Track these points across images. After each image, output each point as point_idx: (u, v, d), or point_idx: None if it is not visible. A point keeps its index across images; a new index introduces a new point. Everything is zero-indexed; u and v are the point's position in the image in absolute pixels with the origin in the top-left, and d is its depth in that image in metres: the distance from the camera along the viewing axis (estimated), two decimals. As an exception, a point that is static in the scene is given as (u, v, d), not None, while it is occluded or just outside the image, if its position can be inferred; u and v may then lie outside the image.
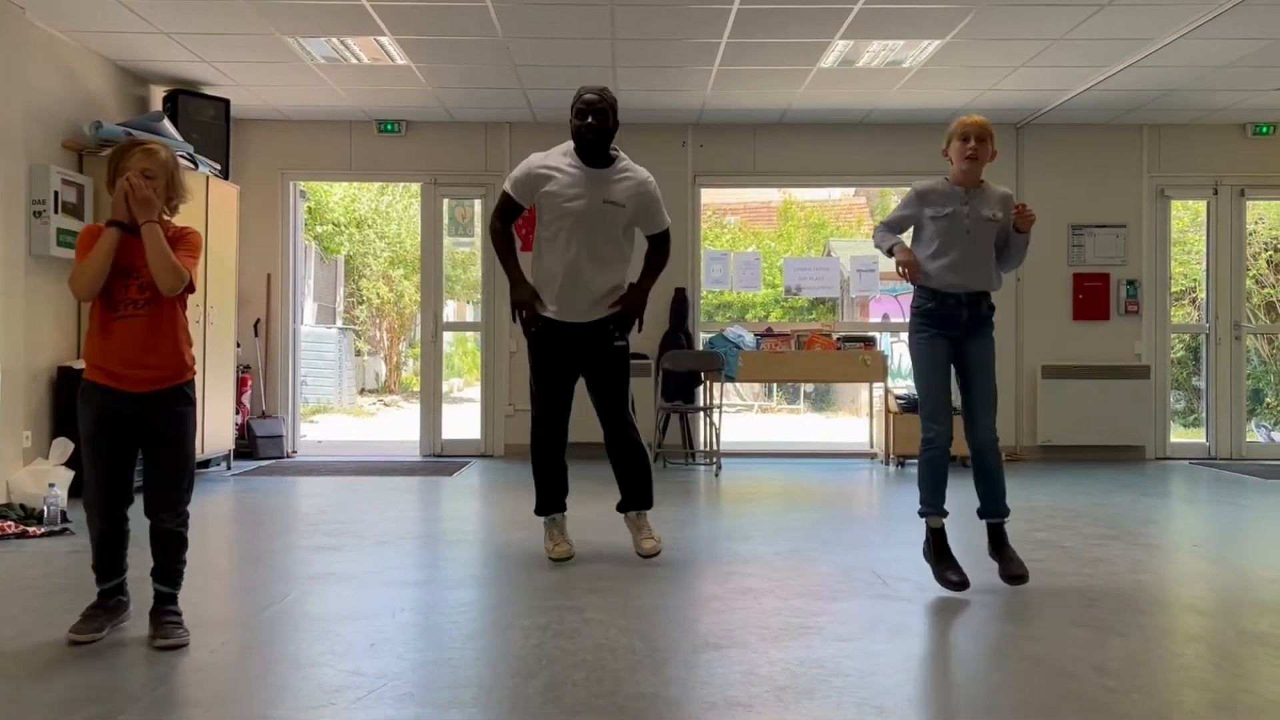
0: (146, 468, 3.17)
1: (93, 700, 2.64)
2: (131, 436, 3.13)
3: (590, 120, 4.23)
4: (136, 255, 3.07)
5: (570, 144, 4.34)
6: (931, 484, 3.84)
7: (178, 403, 3.17)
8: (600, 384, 4.40)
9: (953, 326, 3.84)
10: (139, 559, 3.25)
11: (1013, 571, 3.78)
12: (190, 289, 3.15)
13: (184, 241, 3.16)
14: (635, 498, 4.46)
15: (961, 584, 3.72)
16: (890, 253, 3.88)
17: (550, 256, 4.31)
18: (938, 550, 3.83)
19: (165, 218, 3.15)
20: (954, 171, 3.91)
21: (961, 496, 4.03)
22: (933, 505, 3.85)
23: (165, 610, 3.14)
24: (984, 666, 2.99)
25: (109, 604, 3.18)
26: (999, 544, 3.87)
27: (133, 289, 3.09)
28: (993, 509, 3.86)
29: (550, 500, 4.46)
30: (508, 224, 4.41)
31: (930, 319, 3.85)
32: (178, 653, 3.02)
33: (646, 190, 4.36)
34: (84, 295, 3.11)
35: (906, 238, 3.95)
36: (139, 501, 3.20)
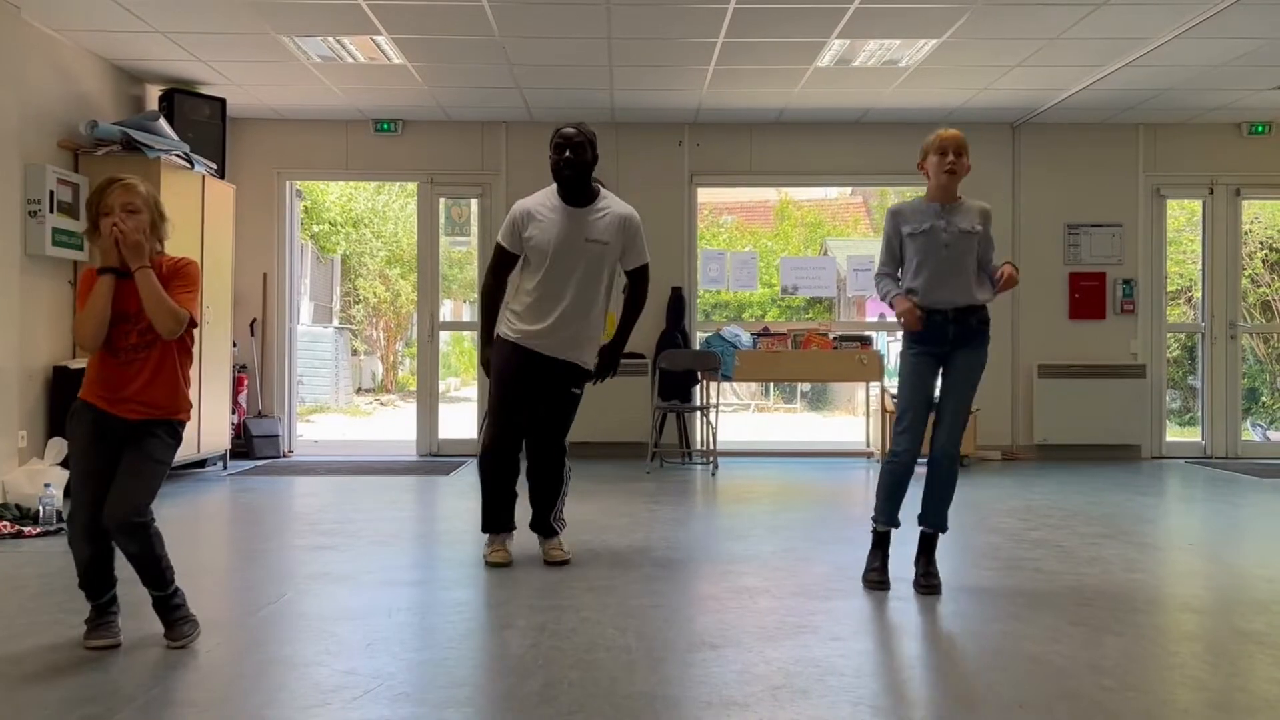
0: (118, 474, 3.03)
1: (88, 700, 2.64)
2: (118, 456, 3.06)
3: (568, 154, 4.20)
4: (132, 300, 3.03)
5: (552, 187, 4.33)
6: (887, 494, 3.91)
7: (167, 433, 3.14)
8: (549, 416, 4.38)
9: (939, 342, 3.83)
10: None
11: (929, 583, 3.83)
12: (192, 325, 3.11)
13: (180, 276, 3.11)
14: (543, 523, 4.45)
15: (881, 584, 3.86)
16: (891, 302, 3.90)
17: (536, 297, 4.27)
18: (874, 547, 3.96)
19: (158, 253, 3.12)
20: (931, 187, 3.89)
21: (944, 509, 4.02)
22: (885, 516, 3.92)
23: (167, 607, 3.13)
24: (979, 665, 2.99)
25: (111, 609, 3.15)
26: (927, 554, 3.92)
27: (132, 335, 3.06)
28: (933, 521, 3.91)
29: (497, 519, 4.40)
30: (501, 279, 4.39)
31: (916, 335, 3.83)
32: (173, 653, 3.03)
33: (630, 224, 4.33)
34: (89, 345, 3.06)
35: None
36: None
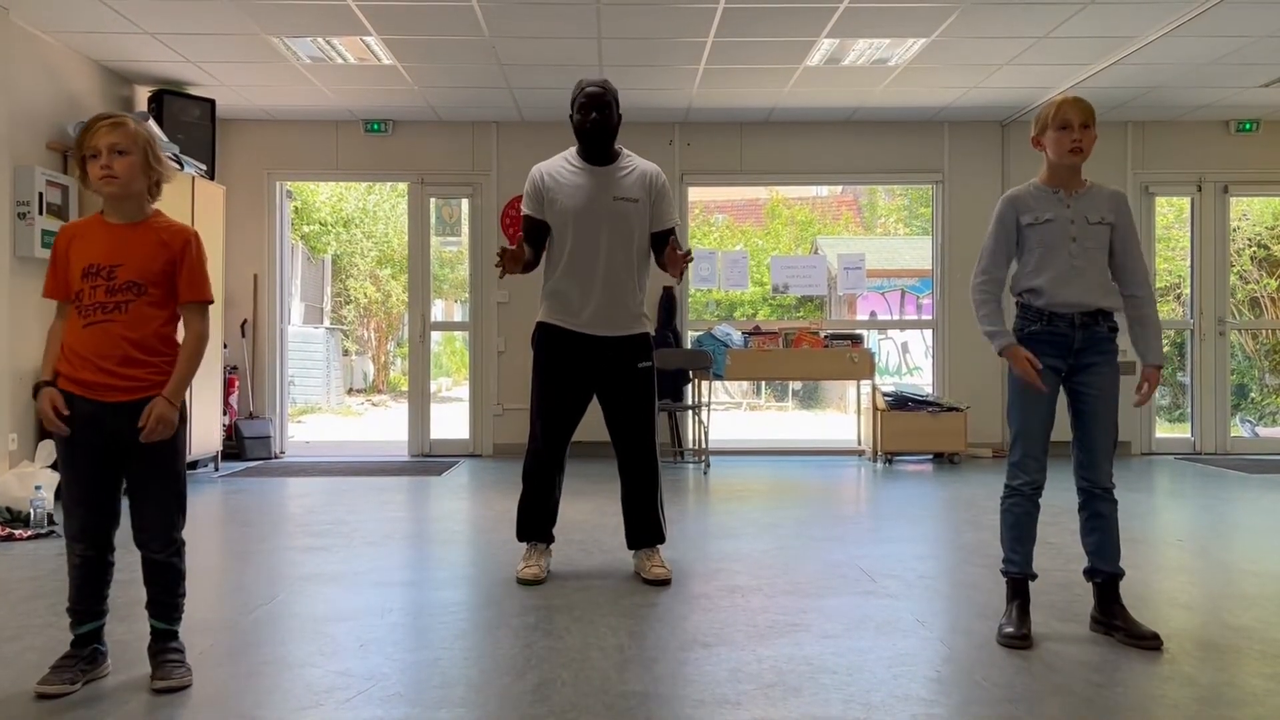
0: (131, 492, 2.79)
1: (79, 704, 2.63)
2: (113, 453, 2.74)
3: (594, 115, 3.95)
4: (105, 251, 2.73)
5: (572, 149, 4.09)
6: (1016, 538, 3.29)
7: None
8: (624, 410, 4.04)
9: (1063, 353, 3.21)
10: (131, 597, 3.05)
11: (1142, 632, 3.17)
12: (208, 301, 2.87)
13: (188, 264, 2.81)
14: (649, 532, 4.12)
15: (1025, 643, 3.15)
16: (1001, 352, 3.22)
17: (568, 268, 3.98)
18: (1010, 597, 3.31)
19: (154, 209, 2.84)
20: (1050, 168, 3.28)
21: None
22: (1017, 564, 3.29)
23: (164, 649, 2.82)
24: (969, 662, 3.01)
25: (83, 653, 2.77)
26: (1114, 602, 3.27)
27: (100, 291, 2.71)
28: (1109, 565, 3.27)
29: (536, 527, 4.12)
30: (537, 249, 4.05)
31: (1034, 346, 3.20)
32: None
33: (658, 179, 4.09)
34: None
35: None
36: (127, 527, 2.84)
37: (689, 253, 3.88)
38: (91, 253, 2.74)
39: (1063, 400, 3.27)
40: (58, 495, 3.10)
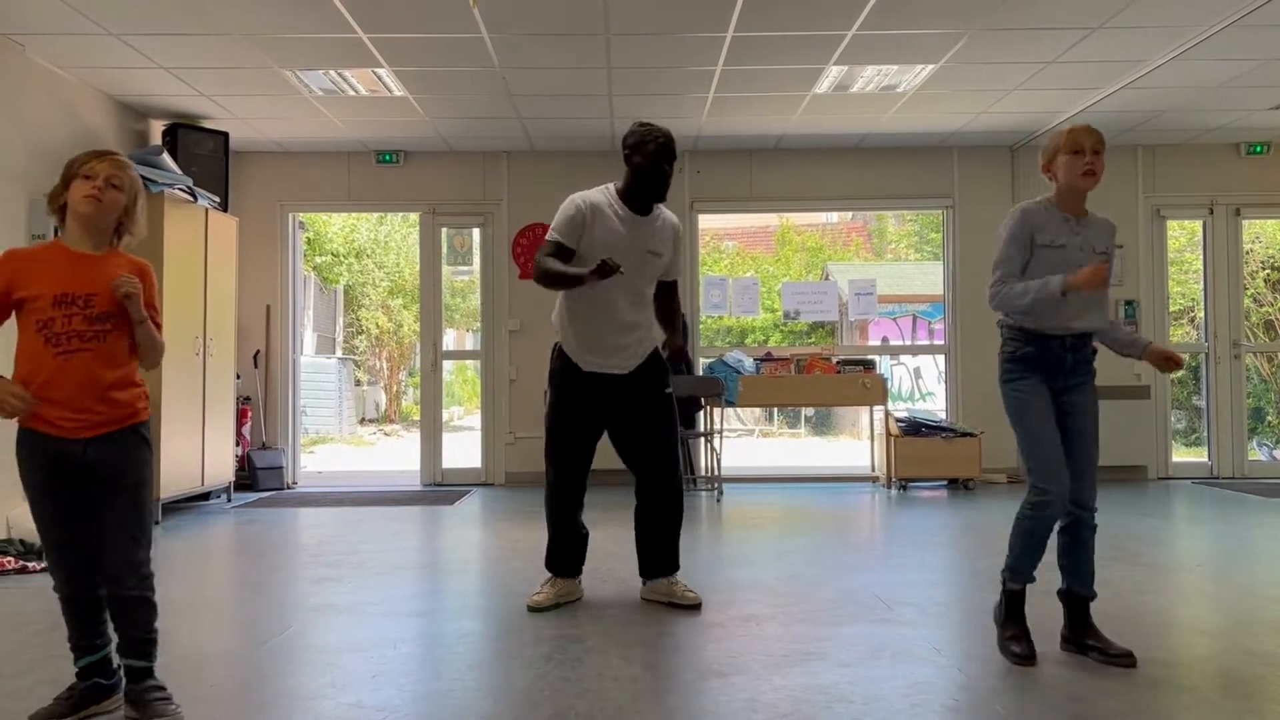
0: (99, 524, 2.71)
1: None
2: (85, 487, 2.69)
3: (666, 168, 3.97)
4: (75, 279, 2.67)
5: (612, 186, 4.06)
6: (1029, 551, 3.29)
7: (131, 446, 2.74)
8: (648, 435, 4.07)
9: (1056, 374, 3.27)
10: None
11: (1116, 651, 3.24)
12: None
13: (151, 288, 2.78)
14: (667, 560, 4.11)
15: (1028, 658, 3.22)
16: (1058, 291, 3.15)
17: (591, 307, 3.97)
18: (1011, 613, 3.35)
19: (117, 247, 2.80)
20: (1061, 193, 3.30)
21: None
22: (1022, 574, 3.32)
23: (146, 688, 2.73)
24: (987, 691, 2.97)
25: (82, 686, 2.75)
26: (1086, 624, 3.34)
27: (78, 320, 2.65)
28: (1084, 589, 3.35)
29: (566, 561, 4.12)
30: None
31: (1030, 365, 3.27)
32: (177, 687, 2.99)
33: (679, 235, 4.16)
34: None
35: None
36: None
37: (684, 349, 4.20)
38: (60, 280, 2.67)
39: None
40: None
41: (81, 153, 2.79)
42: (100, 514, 2.71)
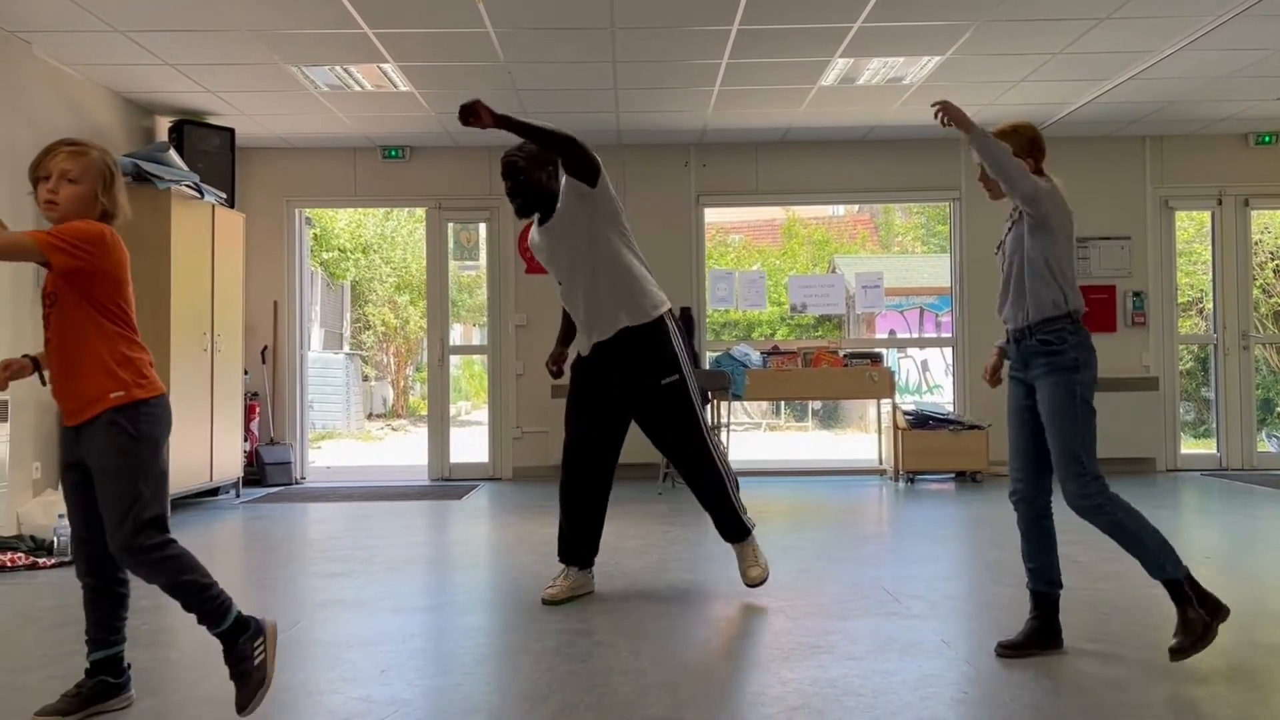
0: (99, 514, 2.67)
1: (103, 732, 2.63)
2: (87, 475, 2.68)
3: (507, 184, 4.14)
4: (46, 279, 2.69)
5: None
6: (1023, 545, 3.39)
7: (107, 433, 2.63)
8: (660, 426, 4.13)
9: (1018, 366, 3.37)
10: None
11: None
12: (47, 265, 2.61)
13: (59, 232, 2.60)
14: (727, 530, 4.21)
15: (1005, 649, 3.24)
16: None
17: (566, 300, 4.17)
18: (1031, 612, 3.34)
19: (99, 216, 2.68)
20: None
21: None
22: (1028, 571, 3.37)
23: (228, 655, 2.68)
24: (996, 684, 2.97)
25: (90, 684, 2.72)
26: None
27: (45, 306, 2.72)
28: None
29: (570, 550, 4.14)
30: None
31: (1011, 360, 3.43)
32: (186, 682, 3.01)
33: (567, 183, 4.08)
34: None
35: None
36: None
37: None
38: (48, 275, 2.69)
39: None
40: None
41: (43, 150, 2.70)
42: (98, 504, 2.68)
